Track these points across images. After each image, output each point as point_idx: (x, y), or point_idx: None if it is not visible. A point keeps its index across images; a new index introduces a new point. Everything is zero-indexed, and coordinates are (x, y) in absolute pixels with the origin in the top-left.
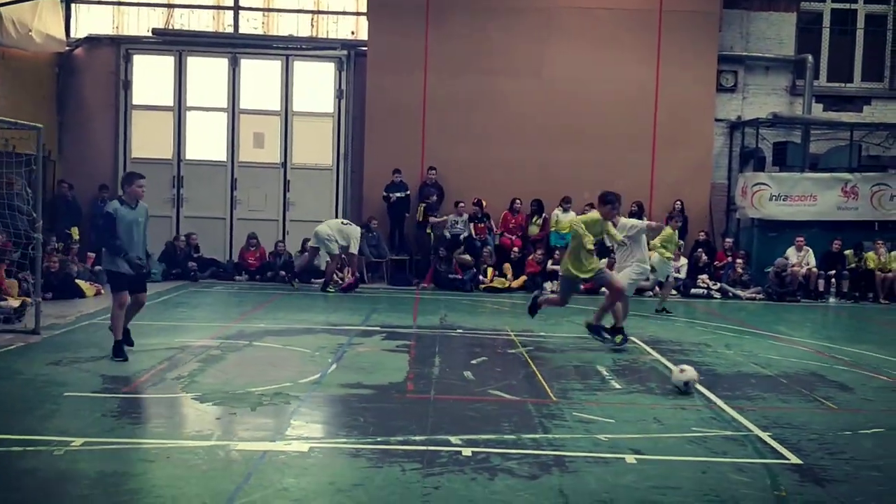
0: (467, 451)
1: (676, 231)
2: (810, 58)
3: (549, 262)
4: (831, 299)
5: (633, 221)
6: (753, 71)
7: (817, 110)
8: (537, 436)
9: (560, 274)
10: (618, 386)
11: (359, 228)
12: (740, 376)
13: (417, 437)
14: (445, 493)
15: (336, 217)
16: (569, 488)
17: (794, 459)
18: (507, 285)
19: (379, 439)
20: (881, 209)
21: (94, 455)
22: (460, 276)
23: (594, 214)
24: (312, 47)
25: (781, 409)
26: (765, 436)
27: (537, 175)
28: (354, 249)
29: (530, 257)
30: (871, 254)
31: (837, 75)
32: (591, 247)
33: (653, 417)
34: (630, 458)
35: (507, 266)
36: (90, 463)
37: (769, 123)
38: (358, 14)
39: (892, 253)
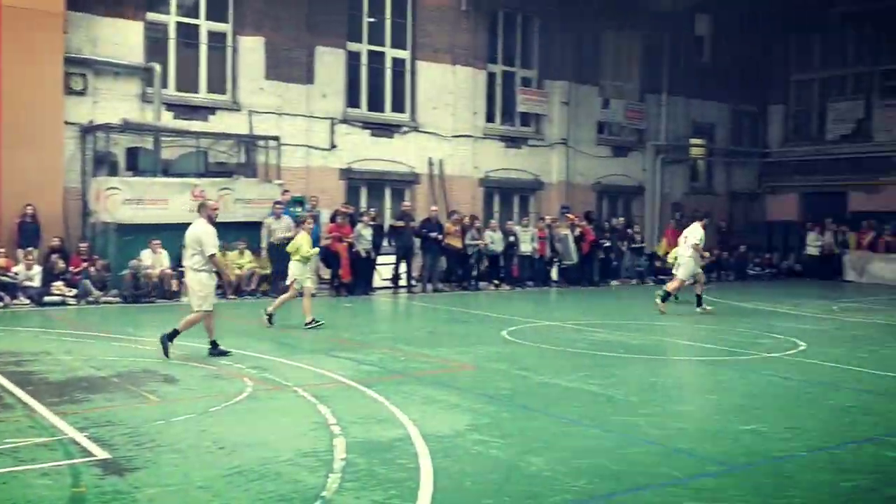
0: None
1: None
2: (158, 67)
3: None
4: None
5: None
6: (104, 75)
7: (168, 118)
8: None
9: None
10: None
11: None
12: (73, 381)
13: None
14: None
15: None
16: None
17: (103, 455)
18: None
19: None
20: (227, 211)
21: None
22: None
23: None
24: None
25: (105, 408)
26: (80, 437)
27: None
28: None
29: None
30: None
31: (185, 85)
32: None
33: None
34: None
35: None
36: None
37: (120, 129)
38: None
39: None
